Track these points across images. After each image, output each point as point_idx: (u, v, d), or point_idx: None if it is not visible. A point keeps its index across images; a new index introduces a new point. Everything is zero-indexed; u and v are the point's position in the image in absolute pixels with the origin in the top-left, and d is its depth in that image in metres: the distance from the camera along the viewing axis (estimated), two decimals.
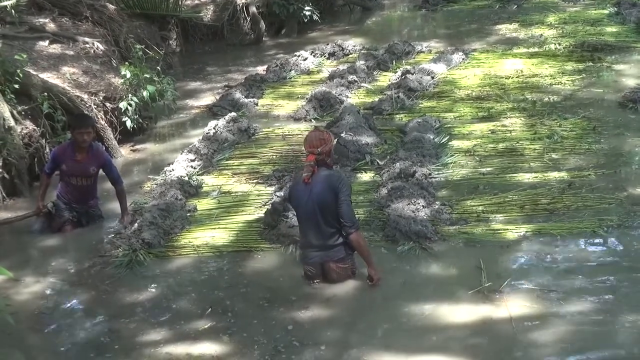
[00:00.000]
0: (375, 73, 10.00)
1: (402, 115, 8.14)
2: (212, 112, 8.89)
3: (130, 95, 7.82)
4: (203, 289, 4.93)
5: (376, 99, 8.67)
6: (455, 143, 7.12)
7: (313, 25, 13.75)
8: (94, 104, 7.61)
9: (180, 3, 12.22)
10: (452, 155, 6.79)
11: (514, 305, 4.41)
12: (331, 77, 9.63)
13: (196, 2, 13.30)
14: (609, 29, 11.48)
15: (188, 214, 5.97)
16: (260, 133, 7.94)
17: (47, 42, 8.66)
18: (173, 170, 6.80)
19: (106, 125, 7.68)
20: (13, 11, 8.43)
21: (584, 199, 5.72)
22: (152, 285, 5.02)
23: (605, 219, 5.37)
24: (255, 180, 6.64)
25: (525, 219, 5.51)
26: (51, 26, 9.21)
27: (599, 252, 5.06)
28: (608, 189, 5.89)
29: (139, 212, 5.99)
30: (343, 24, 14.64)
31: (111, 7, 10.39)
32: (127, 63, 8.34)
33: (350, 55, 11.16)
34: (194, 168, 6.89)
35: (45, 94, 7.05)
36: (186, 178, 6.58)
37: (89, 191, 6.05)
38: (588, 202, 5.67)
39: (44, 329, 4.64)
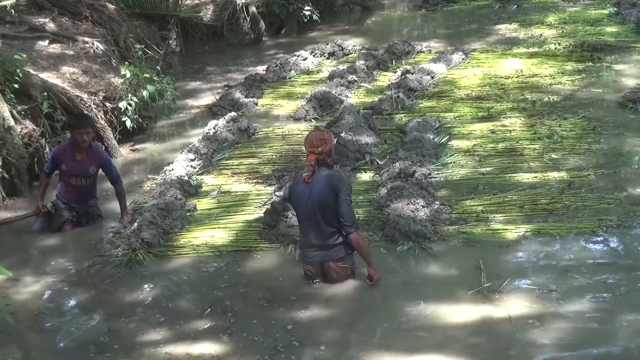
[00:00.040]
0: (375, 73, 10.00)
1: (401, 115, 8.14)
2: (212, 111, 8.90)
3: (130, 95, 7.82)
4: (202, 289, 4.93)
5: (376, 99, 8.67)
6: (455, 143, 7.13)
7: (313, 25, 13.75)
8: (94, 104, 7.61)
9: (180, 3, 12.22)
10: (452, 155, 6.79)
11: (513, 305, 4.41)
12: (331, 77, 9.63)
13: (196, 1, 13.30)
14: (609, 29, 11.48)
15: (188, 214, 5.97)
16: (260, 133, 7.94)
17: (47, 41, 8.66)
18: (173, 169, 6.80)
19: (106, 125, 7.69)
20: (13, 11, 8.43)
21: (584, 199, 5.72)
22: (152, 285, 5.02)
23: (604, 219, 5.37)
24: (254, 180, 6.64)
25: (524, 219, 5.51)
26: (51, 26, 9.21)
27: (598, 252, 5.06)
28: (607, 189, 5.89)
29: (139, 212, 5.99)
30: (343, 23, 14.64)
31: (111, 6, 10.40)
32: (126, 63, 8.34)
33: (350, 55, 11.16)
34: (194, 168, 6.89)
35: (45, 93, 7.05)
36: (186, 178, 6.58)
37: (89, 191, 6.05)
38: (587, 202, 5.67)
39: (43, 328, 4.64)
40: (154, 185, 6.59)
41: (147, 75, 8.01)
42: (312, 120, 8.28)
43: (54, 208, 5.95)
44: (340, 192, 4.62)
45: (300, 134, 7.57)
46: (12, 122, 6.55)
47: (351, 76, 9.47)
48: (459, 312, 4.41)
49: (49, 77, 7.64)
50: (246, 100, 9.01)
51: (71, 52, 8.62)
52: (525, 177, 6.22)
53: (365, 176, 6.60)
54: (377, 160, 6.80)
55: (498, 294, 4.54)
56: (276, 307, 4.61)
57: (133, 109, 7.77)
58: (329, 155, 4.78)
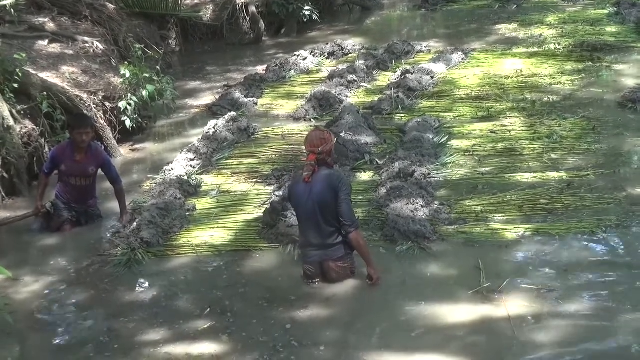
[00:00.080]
0: (374, 73, 10.00)
1: (401, 115, 8.14)
2: (212, 111, 8.90)
3: (129, 94, 7.82)
4: (202, 289, 4.93)
5: (376, 99, 8.67)
6: (455, 143, 7.13)
7: (312, 24, 13.75)
8: (93, 104, 7.61)
9: (179, 2, 12.21)
10: (452, 155, 6.79)
11: (512, 305, 4.41)
12: (331, 76, 9.63)
13: (196, 1, 13.30)
14: (609, 29, 11.48)
15: (187, 213, 5.97)
16: (260, 132, 7.94)
17: (47, 41, 8.66)
18: (172, 169, 6.80)
19: (105, 124, 7.68)
20: (12, 10, 8.42)
21: (583, 199, 5.72)
22: (151, 285, 5.02)
23: (604, 219, 5.37)
24: (254, 180, 6.63)
25: (524, 219, 5.51)
26: (50, 25, 9.21)
27: (597, 252, 5.06)
28: (607, 189, 5.89)
29: (138, 212, 5.98)
30: (342, 23, 14.64)
31: (110, 6, 10.39)
32: (126, 62, 8.34)
33: (350, 55, 11.16)
34: (193, 167, 6.89)
35: (45, 93, 7.04)
36: (185, 177, 6.58)
37: (88, 191, 6.05)
38: (587, 202, 5.67)
39: (42, 328, 4.64)
40: (154, 185, 6.58)
41: (147, 75, 8.01)
42: (312, 120, 8.28)
43: (53, 208, 5.95)
44: (340, 192, 4.62)
45: (300, 134, 7.57)
46: (11, 122, 6.55)
47: (351, 76, 9.47)
48: (459, 312, 4.41)
49: (48, 76, 7.63)
50: (246, 100, 9.01)
51: (71, 52, 8.61)
52: (525, 177, 6.22)
53: (365, 176, 6.60)
54: (377, 160, 6.80)
55: (497, 294, 4.54)
56: (276, 306, 4.61)
57: (133, 109, 7.77)
58: (329, 155, 4.78)
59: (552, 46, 10.64)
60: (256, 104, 9.04)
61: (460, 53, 10.40)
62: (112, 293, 4.95)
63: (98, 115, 7.59)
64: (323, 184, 4.65)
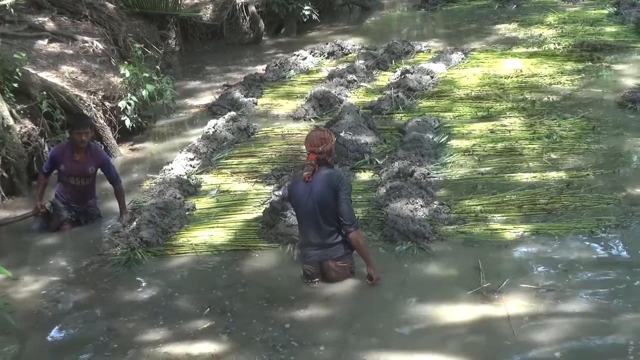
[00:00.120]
0: (374, 72, 10.00)
1: (401, 115, 8.14)
2: (212, 111, 8.90)
3: (129, 94, 7.82)
4: (201, 288, 4.93)
5: (375, 99, 8.67)
6: (454, 143, 7.13)
7: (312, 24, 13.75)
8: (93, 103, 7.61)
9: (179, 2, 12.22)
10: (451, 155, 6.79)
11: (512, 305, 4.41)
12: (330, 76, 9.63)
13: (195, 1, 13.30)
14: (608, 29, 11.48)
15: (187, 213, 5.97)
16: (260, 132, 7.94)
17: (46, 41, 8.66)
18: (172, 169, 6.80)
19: (105, 124, 7.69)
20: (12, 10, 8.42)
21: (583, 199, 5.72)
22: (151, 284, 5.02)
23: (603, 219, 5.37)
24: (254, 180, 6.64)
25: (523, 219, 5.51)
26: (50, 25, 9.21)
27: (596, 251, 5.06)
28: (606, 189, 5.89)
29: (138, 211, 5.99)
30: (342, 23, 14.64)
31: (110, 6, 10.39)
32: (126, 62, 8.34)
33: (350, 55, 11.16)
34: (193, 167, 6.89)
35: (44, 92, 7.05)
36: (185, 177, 6.58)
37: (88, 191, 6.05)
38: (586, 202, 5.67)
39: (42, 327, 4.64)
40: (153, 184, 6.59)
41: (147, 75, 8.01)
42: (312, 119, 8.28)
43: (52, 208, 5.95)
44: (340, 192, 4.62)
45: (299, 134, 7.57)
46: (11, 121, 6.55)
47: (351, 76, 9.47)
48: (458, 312, 4.41)
49: (48, 76, 7.63)
50: (246, 99, 9.01)
51: (70, 52, 8.61)
52: (524, 177, 6.22)
53: (365, 176, 6.60)
54: (376, 160, 6.80)
55: (497, 294, 4.54)
56: (275, 306, 4.61)
57: (132, 109, 7.77)
58: (329, 155, 4.79)
59: (551, 46, 10.65)
60: (256, 103, 9.05)
61: (460, 53, 10.40)
62: (112, 292, 4.95)
63: (98, 115, 7.59)
64: (323, 184, 4.66)
